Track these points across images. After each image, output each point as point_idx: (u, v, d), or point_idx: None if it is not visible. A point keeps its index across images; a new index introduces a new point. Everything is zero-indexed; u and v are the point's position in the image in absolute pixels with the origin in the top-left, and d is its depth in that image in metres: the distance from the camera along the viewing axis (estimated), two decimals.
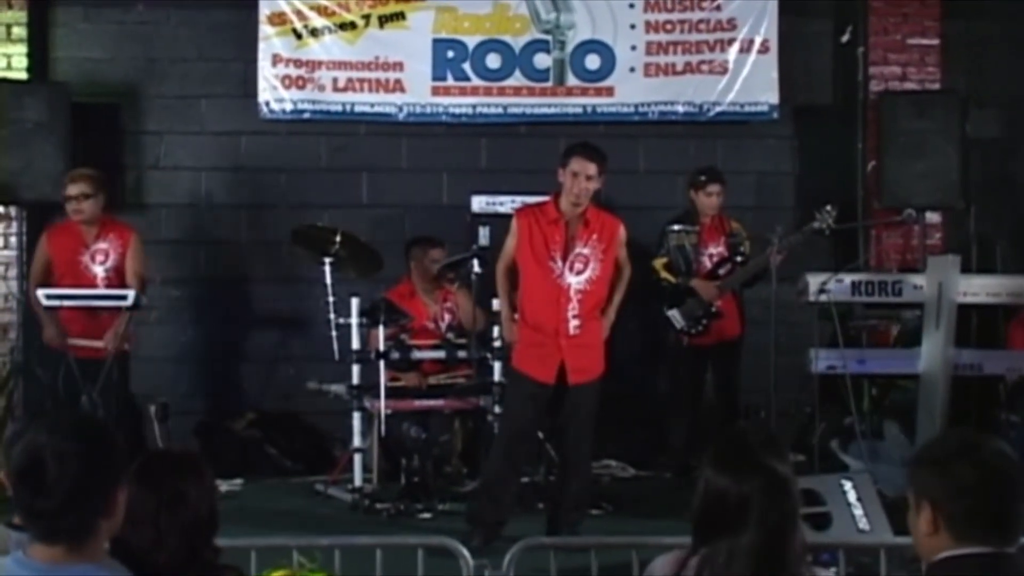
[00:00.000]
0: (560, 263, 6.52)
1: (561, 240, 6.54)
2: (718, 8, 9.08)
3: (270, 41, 8.97)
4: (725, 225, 8.22)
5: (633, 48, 9.10)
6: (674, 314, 8.00)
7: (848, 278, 7.29)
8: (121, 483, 2.60)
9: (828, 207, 7.44)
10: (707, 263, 8.13)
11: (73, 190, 7.68)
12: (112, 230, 7.85)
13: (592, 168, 6.50)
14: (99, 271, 7.76)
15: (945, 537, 2.68)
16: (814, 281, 7.14)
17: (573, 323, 6.52)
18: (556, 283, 6.51)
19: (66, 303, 7.52)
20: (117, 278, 7.75)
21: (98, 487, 2.55)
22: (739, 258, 8.02)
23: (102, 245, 7.78)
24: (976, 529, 2.66)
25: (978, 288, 7.25)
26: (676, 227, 8.19)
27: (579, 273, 6.54)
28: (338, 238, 7.66)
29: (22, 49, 8.86)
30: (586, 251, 6.55)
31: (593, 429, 6.66)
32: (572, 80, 9.11)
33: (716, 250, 8.16)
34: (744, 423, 7.80)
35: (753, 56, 9.06)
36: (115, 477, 2.59)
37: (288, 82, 8.99)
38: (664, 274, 8.10)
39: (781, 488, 2.86)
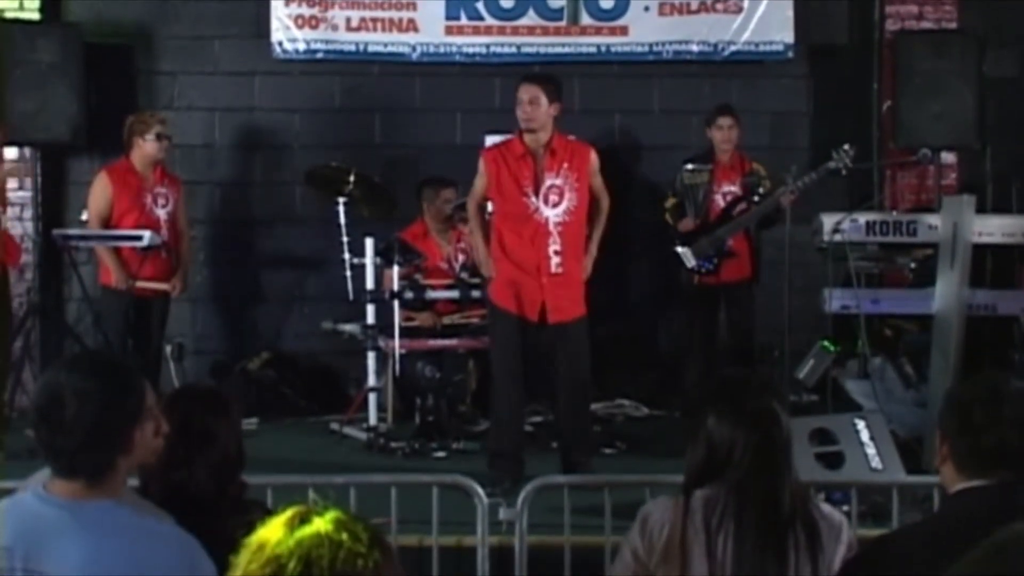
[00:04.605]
0: (534, 198, 6.46)
1: (531, 174, 6.47)
2: None
3: None
4: (744, 165, 8.15)
5: None
6: (685, 252, 7.90)
7: (863, 218, 7.24)
8: (140, 421, 2.62)
9: (846, 147, 7.34)
10: (720, 202, 8.07)
11: (163, 129, 7.75)
12: (166, 176, 7.95)
13: (533, 90, 6.44)
14: (162, 214, 7.83)
15: (951, 468, 2.80)
16: (828, 221, 7.10)
17: (555, 260, 6.46)
18: (533, 219, 6.45)
19: (81, 244, 7.56)
20: (173, 223, 7.87)
21: (117, 425, 2.57)
22: (756, 198, 7.95)
23: (162, 189, 7.86)
24: (976, 466, 2.75)
25: (993, 228, 7.21)
26: (690, 166, 8.13)
27: (555, 206, 6.46)
28: (352, 178, 7.66)
29: None
30: (558, 181, 6.47)
31: (587, 370, 6.59)
32: (586, 19, 9.03)
33: (730, 188, 8.08)
34: (740, 368, 7.75)
35: None
36: (133, 415, 2.61)
37: (301, 22, 8.94)
38: (666, 216, 8.06)
39: (771, 430, 2.92)
